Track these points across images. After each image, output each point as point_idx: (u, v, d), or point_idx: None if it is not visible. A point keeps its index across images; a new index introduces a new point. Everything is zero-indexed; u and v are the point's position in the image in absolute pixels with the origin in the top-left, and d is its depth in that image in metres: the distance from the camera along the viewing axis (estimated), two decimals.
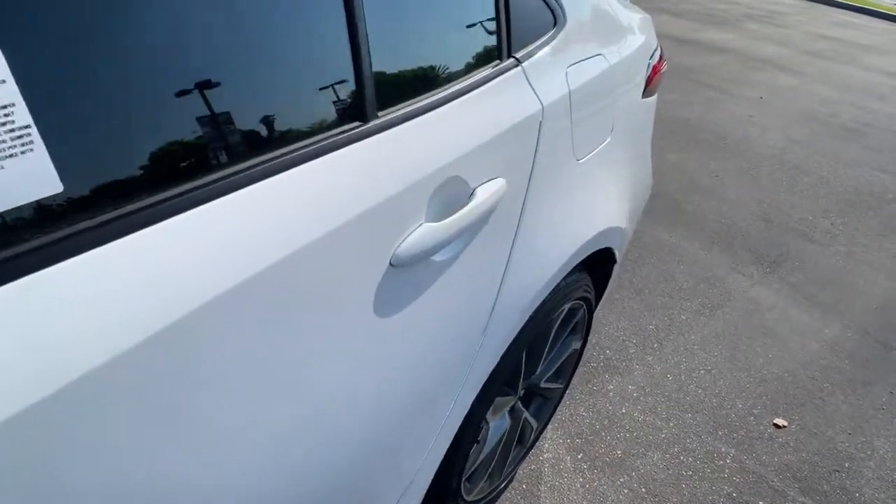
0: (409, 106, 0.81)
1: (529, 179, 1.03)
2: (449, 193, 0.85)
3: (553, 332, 1.39)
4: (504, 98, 0.96)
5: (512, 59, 1.01)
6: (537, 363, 1.46)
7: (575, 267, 1.31)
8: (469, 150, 0.87)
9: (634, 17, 1.55)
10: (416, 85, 0.84)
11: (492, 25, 0.96)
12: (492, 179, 0.93)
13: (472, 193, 0.89)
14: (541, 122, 1.01)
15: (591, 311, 1.54)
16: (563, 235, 1.17)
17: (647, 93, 1.55)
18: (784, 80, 6.35)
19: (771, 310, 2.57)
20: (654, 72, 1.59)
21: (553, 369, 1.61)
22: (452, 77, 0.91)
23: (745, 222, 3.27)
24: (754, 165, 4.04)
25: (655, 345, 2.25)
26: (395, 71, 0.81)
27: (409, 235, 0.78)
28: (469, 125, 0.89)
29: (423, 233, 0.78)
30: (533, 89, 1.02)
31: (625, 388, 2.04)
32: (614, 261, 1.51)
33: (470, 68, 0.94)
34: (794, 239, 3.19)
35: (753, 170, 3.97)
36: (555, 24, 1.10)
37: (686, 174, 3.73)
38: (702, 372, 2.17)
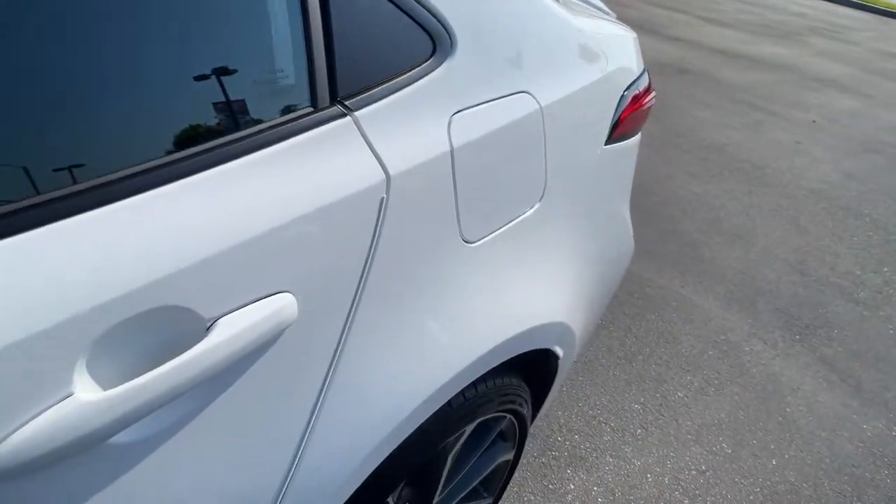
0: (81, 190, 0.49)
1: (361, 284, 0.66)
2: (156, 331, 0.50)
3: (452, 455, 0.99)
4: (308, 166, 0.61)
5: (336, 107, 0.64)
6: (431, 491, 1.07)
7: (487, 375, 0.92)
8: (207, 257, 0.52)
9: (607, 35, 1.14)
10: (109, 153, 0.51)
11: (297, 54, 0.60)
12: (264, 298, 0.57)
13: (208, 327, 0.53)
14: (384, 198, 0.64)
15: (522, 422, 1.14)
16: (439, 351, 0.78)
17: (619, 137, 1.14)
18: (844, 103, 5.73)
19: (794, 392, 2.10)
20: (632, 108, 1.18)
21: (469, 488, 1.22)
22: (201, 136, 0.55)
23: (775, 274, 2.78)
24: (795, 203, 3.52)
25: (639, 431, 1.82)
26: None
27: (34, 419, 0.44)
28: (212, 214, 0.54)
29: (69, 411, 0.44)
30: (373, 150, 0.66)
31: (588, 489, 1.62)
32: (555, 363, 1.10)
33: (243, 123, 0.58)
34: (835, 298, 2.68)
35: (793, 208, 3.45)
36: (433, 51, 0.72)
37: (711, 210, 3.24)
38: (693, 473, 1.73)
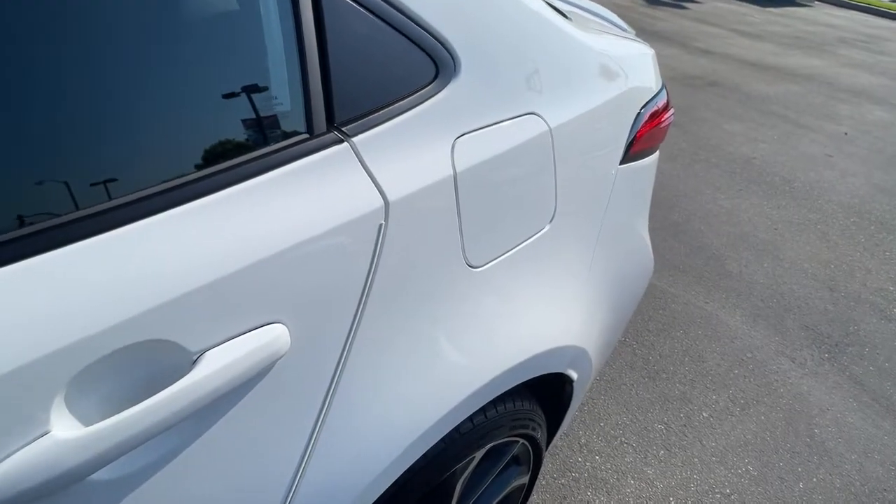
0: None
1: (358, 314, 0.66)
2: (139, 365, 0.51)
3: (461, 481, 1.00)
4: (302, 194, 0.62)
5: (333, 133, 0.65)
6: None
7: (497, 399, 0.93)
8: (194, 288, 0.52)
9: (622, 53, 1.15)
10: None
11: (292, 80, 0.61)
12: (254, 329, 0.57)
13: (194, 360, 0.54)
14: (382, 225, 0.65)
15: (537, 446, 1.14)
16: (443, 379, 0.79)
17: (635, 155, 1.15)
18: (876, 115, 5.60)
19: (823, 413, 2.06)
20: (649, 126, 1.19)
21: None
22: (189, 166, 0.56)
23: (804, 290, 2.73)
24: (825, 217, 3.45)
25: (661, 452, 1.81)
26: None
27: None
28: (199, 244, 0.54)
29: (45, 449, 0.45)
30: (371, 177, 0.66)
31: None
32: (570, 386, 1.11)
33: (234, 151, 0.59)
34: (866, 315, 2.62)
35: (823, 223, 3.38)
36: (436, 75, 0.73)
37: (738, 225, 3.20)
38: (717, 496, 1.71)
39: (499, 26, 0.79)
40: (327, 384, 0.65)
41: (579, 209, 0.98)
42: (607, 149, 1.04)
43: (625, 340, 2.23)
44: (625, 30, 1.34)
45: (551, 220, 0.90)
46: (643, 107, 1.18)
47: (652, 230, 3.00)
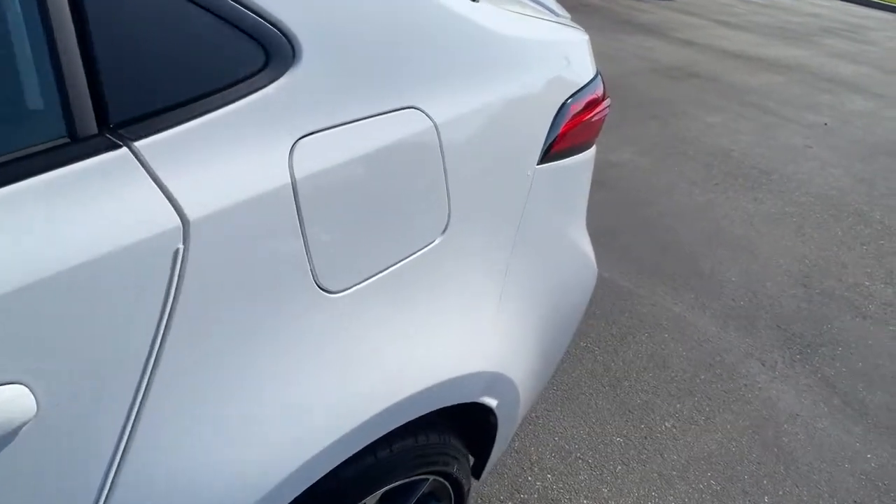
0: None
1: (150, 363, 0.54)
2: None
3: None
4: (59, 214, 0.49)
5: (104, 137, 0.53)
6: None
7: (391, 437, 0.81)
8: None
9: (546, 38, 1.04)
10: None
11: (42, 71, 0.49)
12: None
13: None
14: (180, 250, 0.54)
15: (456, 482, 1.03)
16: (302, 424, 0.67)
17: (559, 153, 1.04)
18: (857, 104, 5.53)
19: (793, 419, 1.96)
20: (578, 120, 1.08)
21: None
22: None
23: (777, 288, 2.63)
24: (802, 210, 3.36)
25: (619, 468, 1.70)
26: None
27: None
28: None
29: None
30: (163, 190, 0.54)
31: None
32: (493, 416, 0.99)
33: None
34: (841, 312, 2.53)
35: (800, 216, 3.29)
36: (266, 63, 0.61)
37: (713, 220, 3.11)
38: None
39: (358, 2, 0.67)
40: (109, 453, 0.54)
41: (484, 216, 0.86)
42: (520, 146, 0.93)
43: (586, 346, 2.12)
44: (557, 14, 1.23)
45: (444, 231, 0.79)
46: (570, 97, 1.07)
47: (621, 228, 2.90)
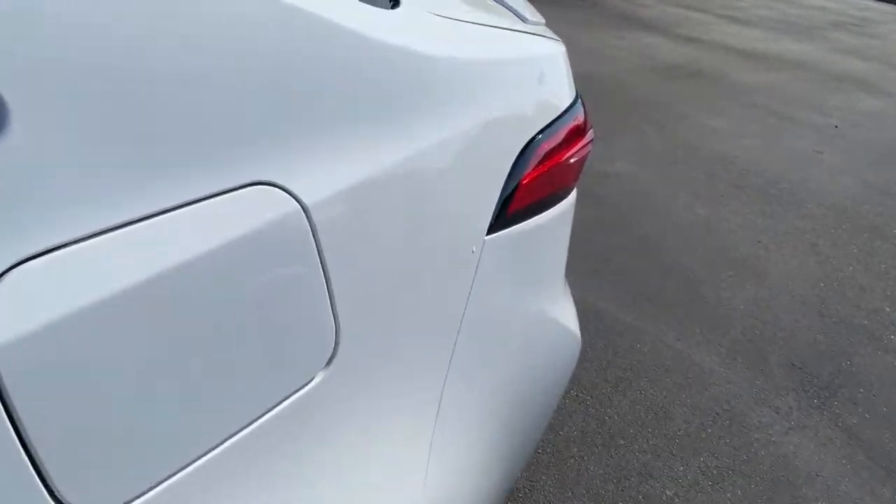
0: None
1: None
2: None
3: None
4: None
5: None
6: None
7: None
8: None
9: (504, 56, 0.79)
10: None
11: None
12: None
13: None
14: None
15: None
16: None
17: (521, 214, 0.80)
18: (868, 104, 5.26)
19: (812, 480, 1.73)
20: (551, 163, 0.84)
21: None
22: None
23: (789, 317, 2.39)
24: (815, 224, 3.12)
25: None
26: None
27: None
28: None
29: None
30: None
31: None
32: None
33: None
34: (861, 346, 2.29)
35: (813, 231, 3.05)
36: None
37: (717, 238, 2.86)
38: None
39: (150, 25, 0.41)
40: None
41: (399, 328, 0.62)
42: (457, 215, 0.69)
43: (576, 395, 1.89)
44: (526, 18, 0.98)
45: (329, 363, 0.55)
46: (539, 133, 0.83)
47: (615, 250, 2.65)
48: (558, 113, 0.89)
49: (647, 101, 4.57)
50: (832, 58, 6.68)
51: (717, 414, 1.90)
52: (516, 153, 0.78)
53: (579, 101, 0.98)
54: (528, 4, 1.11)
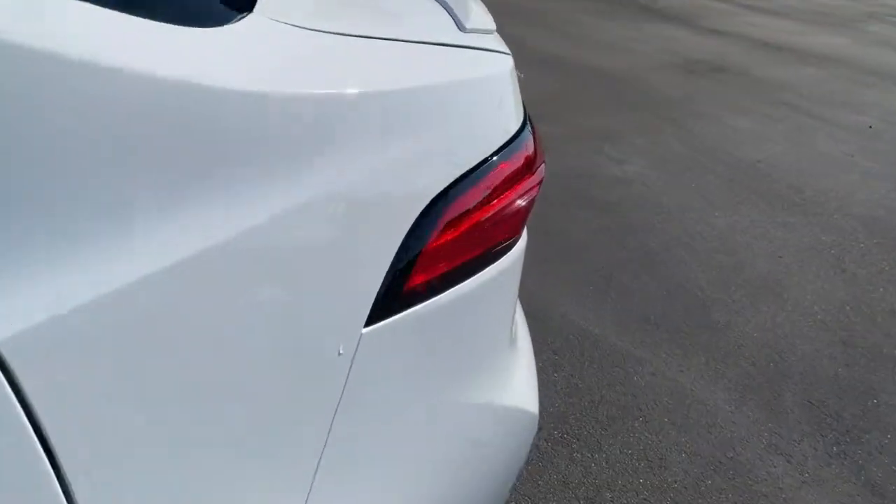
0: None
1: None
2: None
3: None
4: None
5: None
6: None
7: None
8: None
9: (410, 73, 0.60)
10: None
11: None
12: None
13: None
14: None
15: None
16: None
17: (437, 284, 0.61)
18: None
19: None
20: (481, 215, 0.65)
21: None
22: None
23: (809, 346, 2.15)
24: (842, 238, 2.85)
25: None
26: None
27: None
28: None
29: None
30: None
31: None
32: None
33: None
34: (890, 382, 2.05)
35: (839, 246, 2.78)
36: None
37: (732, 252, 2.62)
38: None
39: None
40: None
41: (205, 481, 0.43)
42: (314, 307, 0.50)
43: (561, 436, 1.69)
44: (463, 25, 0.77)
45: None
46: (457, 183, 0.63)
47: (619, 265, 2.42)
48: (491, 151, 0.69)
49: (664, 99, 4.29)
50: (868, 52, 6.29)
51: (721, 462, 1.68)
52: (416, 212, 0.59)
53: (528, 129, 0.78)
54: (478, 6, 0.91)
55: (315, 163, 0.50)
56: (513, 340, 0.93)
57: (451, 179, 0.63)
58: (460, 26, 0.79)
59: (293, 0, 0.62)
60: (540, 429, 1.24)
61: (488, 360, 0.78)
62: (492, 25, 0.87)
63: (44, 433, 0.37)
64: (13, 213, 0.36)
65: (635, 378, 1.93)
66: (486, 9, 0.93)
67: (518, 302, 1.27)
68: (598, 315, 2.17)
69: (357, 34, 0.60)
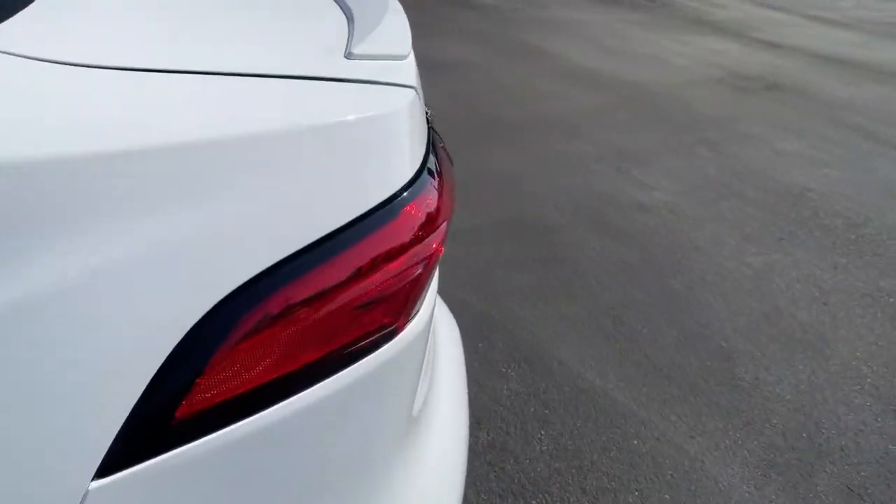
0: None
1: None
2: None
3: None
4: None
5: None
6: None
7: None
8: None
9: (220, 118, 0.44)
10: None
11: None
12: None
13: None
14: None
15: None
16: None
17: (235, 405, 0.41)
18: None
19: None
20: (313, 310, 0.48)
21: None
22: None
23: (854, 415, 1.81)
24: None
25: None
26: None
27: None
28: None
29: None
30: None
31: None
32: None
33: None
34: None
35: None
36: None
37: (767, 297, 2.29)
38: None
39: None
40: None
41: None
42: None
43: None
44: (348, 52, 0.58)
45: None
46: (284, 264, 0.43)
47: (632, 306, 2.12)
48: (354, 215, 0.48)
49: (706, 118, 3.96)
50: None
51: None
52: (203, 309, 0.39)
53: (424, 182, 0.57)
54: (395, 25, 0.70)
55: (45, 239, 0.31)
56: (415, 437, 0.71)
57: (274, 260, 0.44)
58: (346, 52, 0.59)
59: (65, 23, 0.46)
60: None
61: (346, 487, 0.56)
62: (403, 50, 0.65)
63: None
64: None
65: (635, 442, 1.65)
66: (406, 28, 0.72)
67: (461, 356, 1.03)
68: (602, 363, 1.90)
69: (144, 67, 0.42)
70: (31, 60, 0.42)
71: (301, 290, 0.46)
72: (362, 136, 0.53)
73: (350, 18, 0.69)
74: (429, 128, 0.70)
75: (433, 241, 0.57)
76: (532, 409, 1.73)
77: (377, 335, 0.54)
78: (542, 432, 1.67)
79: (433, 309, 0.72)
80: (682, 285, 2.31)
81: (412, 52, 0.67)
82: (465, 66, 4.52)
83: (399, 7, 0.79)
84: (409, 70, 0.63)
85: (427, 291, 0.64)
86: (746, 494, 1.54)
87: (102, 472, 0.38)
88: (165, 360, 0.40)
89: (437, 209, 0.58)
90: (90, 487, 0.38)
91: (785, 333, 2.11)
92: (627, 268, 2.37)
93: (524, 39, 5.29)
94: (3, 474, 0.36)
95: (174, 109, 0.45)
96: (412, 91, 0.59)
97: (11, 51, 0.42)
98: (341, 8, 0.72)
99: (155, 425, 0.41)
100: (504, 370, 1.87)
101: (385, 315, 0.54)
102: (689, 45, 5.47)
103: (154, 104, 0.44)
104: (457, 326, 1.11)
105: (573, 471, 1.56)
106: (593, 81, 4.37)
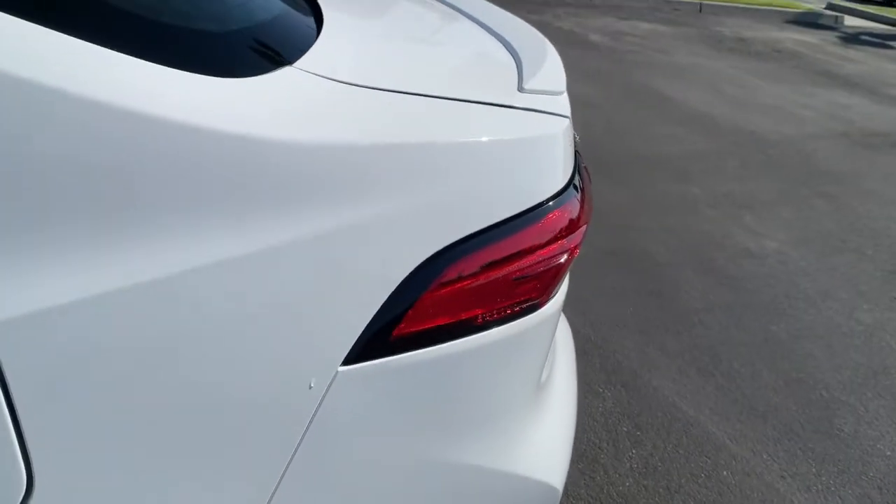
0: None
1: None
2: None
3: None
4: None
5: None
6: None
7: None
8: None
9: (434, 129, 0.65)
10: None
11: None
12: None
13: None
14: None
15: None
16: None
17: (429, 334, 0.63)
18: None
19: None
20: (495, 272, 0.68)
21: None
22: None
23: None
24: None
25: None
26: None
27: None
28: None
29: None
30: None
31: None
32: None
33: None
34: None
35: None
36: None
37: (876, 354, 2.27)
38: None
39: None
40: None
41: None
42: (289, 336, 0.53)
43: None
44: (520, 87, 0.79)
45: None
46: (471, 238, 0.64)
47: (732, 347, 2.20)
48: (520, 209, 0.69)
49: (826, 171, 3.89)
50: None
51: None
52: (418, 260, 0.61)
53: (571, 192, 0.77)
54: (552, 66, 0.92)
55: (314, 203, 0.54)
56: (539, 403, 0.90)
57: (465, 234, 0.64)
58: (519, 86, 0.81)
59: (344, 55, 0.69)
60: None
61: (492, 423, 0.77)
62: (560, 87, 0.87)
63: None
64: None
65: (725, 473, 1.73)
66: (562, 69, 0.93)
67: (573, 355, 1.21)
68: (697, 396, 1.99)
69: (391, 89, 0.65)
70: (326, 80, 0.62)
71: (483, 257, 0.66)
72: (533, 150, 0.74)
73: (519, 62, 0.90)
74: (575, 150, 0.90)
75: (575, 238, 0.77)
76: (625, 429, 1.86)
77: (526, 304, 0.73)
78: (634, 451, 1.79)
79: (563, 301, 0.91)
80: (785, 333, 2.34)
81: (566, 89, 0.88)
82: (584, 104, 4.70)
83: (555, 52, 1.00)
84: (564, 103, 0.84)
85: (563, 281, 0.84)
86: None
87: (346, 362, 0.58)
88: (389, 296, 0.59)
89: (579, 215, 0.77)
90: (339, 370, 0.58)
91: (890, 391, 2.10)
92: (730, 310, 2.44)
93: (643, 82, 5.40)
94: (292, 354, 0.57)
95: (416, 119, 0.65)
96: (566, 120, 0.80)
97: (316, 72, 0.62)
98: (509, 52, 0.94)
99: (380, 338, 0.60)
100: (600, 390, 2.00)
101: (533, 290, 0.74)
102: (815, 98, 5.35)
103: (401, 114, 0.64)
104: (568, 326, 1.29)
105: (661, 490, 1.67)
106: (712, 127, 4.41)
